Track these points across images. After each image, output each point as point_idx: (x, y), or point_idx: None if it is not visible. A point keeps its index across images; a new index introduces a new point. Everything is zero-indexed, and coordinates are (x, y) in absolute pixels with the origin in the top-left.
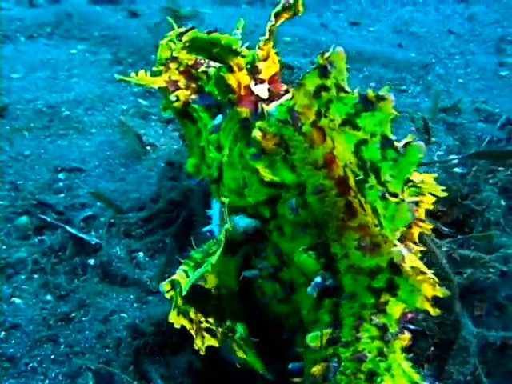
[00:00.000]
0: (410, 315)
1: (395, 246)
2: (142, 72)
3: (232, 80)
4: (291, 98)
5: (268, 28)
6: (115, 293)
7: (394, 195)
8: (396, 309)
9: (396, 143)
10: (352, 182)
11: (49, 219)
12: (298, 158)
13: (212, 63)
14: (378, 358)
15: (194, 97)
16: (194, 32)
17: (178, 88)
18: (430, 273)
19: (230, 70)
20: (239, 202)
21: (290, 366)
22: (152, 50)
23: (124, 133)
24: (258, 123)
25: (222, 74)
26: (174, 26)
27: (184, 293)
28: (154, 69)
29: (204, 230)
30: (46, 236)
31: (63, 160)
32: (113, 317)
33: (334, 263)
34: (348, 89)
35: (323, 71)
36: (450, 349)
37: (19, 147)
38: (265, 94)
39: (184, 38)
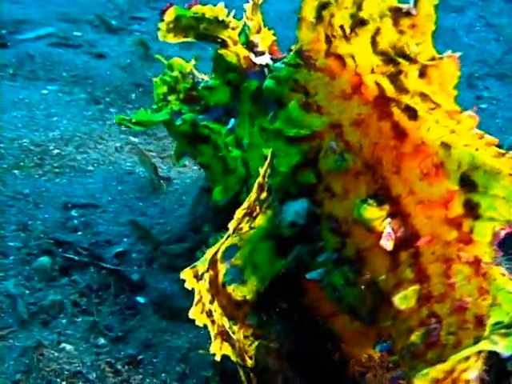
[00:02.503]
0: (503, 231)
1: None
2: (141, 110)
3: (230, 55)
4: (296, 43)
5: (250, 5)
6: (182, 329)
7: (432, 59)
8: (484, 232)
9: (406, 7)
10: (390, 90)
11: (77, 258)
12: (322, 97)
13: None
14: (481, 298)
15: (201, 116)
16: (176, 8)
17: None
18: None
19: (224, 45)
20: (274, 180)
21: (378, 349)
22: (131, 89)
23: (143, 162)
24: (269, 75)
25: (219, 51)
26: (164, 61)
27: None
28: (154, 107)
29: None
30: (77, 276)
31: (70, 197)
32: (190, 355)
33: (400, 207)
34: None
35: None
36: None
37: (15, 186)
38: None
39: (166, 18)
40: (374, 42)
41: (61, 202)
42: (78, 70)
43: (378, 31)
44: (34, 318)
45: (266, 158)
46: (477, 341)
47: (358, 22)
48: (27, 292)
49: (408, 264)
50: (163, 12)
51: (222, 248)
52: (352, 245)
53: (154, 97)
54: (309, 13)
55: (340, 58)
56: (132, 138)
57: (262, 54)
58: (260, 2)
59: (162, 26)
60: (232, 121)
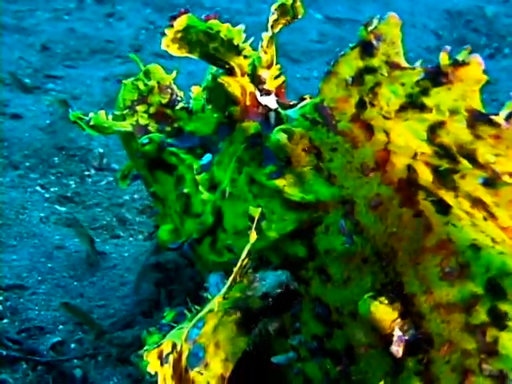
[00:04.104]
0: None
1: None
2: (102, 112)
3: (234, 86)
4: (318, 94)
5: (268, 35)
6: None
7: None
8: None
9: (493, 117)
10: (426, 179)
11: (5, 352)
12: (337, 165)
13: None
14: None
15: (170, 140)
16: (189, 17)
17: (149, 133)
18: None
19: (231, 73)
20: (256, 244)
21: None
22: (53, 152)
23: (79, 234)
24: (280, 126)
25: (221, 80)
26: (140, 65)
27: None
28: (117, 113)
29: None
30: (6, 375)
31: None
32: None
33: (412, 307)
34: (406, 64)
35: (367, 49)
36: None
37: None
38: (274, 107)
39: (176, 26)
40: (433, 132)
41: None
42: None
43: (441, 125)
44: None
45: (251, 218)
46: None
47: (416, 106)
48: None
49: (415, 371)
50: (174, 17)
51: (190, 324)
52: (341, 338)
53: (118, 100)
54: (346, 70)
55: (369, 127)
56: (58, 207)
57: (268, 93)
58: (276, 32)
59: (169, 33)
60: (208, 156)
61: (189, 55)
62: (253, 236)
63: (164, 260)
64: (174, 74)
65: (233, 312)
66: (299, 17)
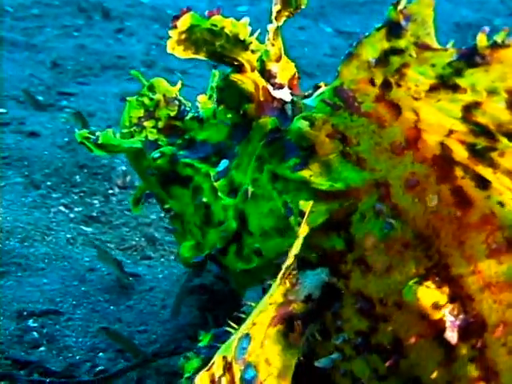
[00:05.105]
0: None
1: None
2: (109, 130)
3: (247, 82)
4: (336, 77)
5: (274, 27)
6: None
7: None
8: None
9: None
10: (461, 155)
11: (48, 380)
12: (365, 148)
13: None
14: None
15: (183, 152)
16: (192, 16)
17: (159, 148)
18: None
19: (240, 69)
20: (283, 243)
21: None
22: (74, 171)
23: (103, 259)
24: (300, 114)
25: (233, 78)
26: (143, 80)
27: None
28: (124, 131)
29: None
30: None
31: (24, 302)
32: None
33: (461, 289)
34: (437, 45)
35: (395, 29)
36: None
37: None
38: (289, 99)
39: (179, 27)
40: (467, 112)
41: (13, 309)
42: (10, 150)
43: (476, 105)
44: None
45: (301, 213)
46: None
47: (449, 87)
48: None
49: (469, 358)
50: (177, 17)
51: (235, 341)
52: (388, 331)
53: (122, 118)
54: (369, 52)
55: (396, 106)
56: (84, 228)
57: (281, 87)
58: (281, 24)
59: (173, 34)
60: (225, 162)
61: (195, 56)
62: (304, 229)
63: (209, 282)
64: (178, 84)
65: (277, 323)
66: (302, 7)
